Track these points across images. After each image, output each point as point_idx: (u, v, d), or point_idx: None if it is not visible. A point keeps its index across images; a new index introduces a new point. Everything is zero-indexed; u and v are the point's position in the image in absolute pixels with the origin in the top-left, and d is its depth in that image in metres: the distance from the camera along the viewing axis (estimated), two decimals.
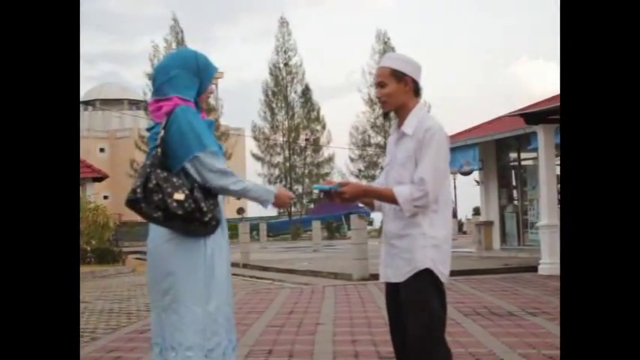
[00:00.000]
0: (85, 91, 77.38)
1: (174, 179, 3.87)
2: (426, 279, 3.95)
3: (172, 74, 4.01)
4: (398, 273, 4.00)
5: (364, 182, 56.01)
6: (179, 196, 3.83)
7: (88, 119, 73.51)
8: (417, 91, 4.09)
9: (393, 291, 4.09)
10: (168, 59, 4.13)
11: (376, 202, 4.20)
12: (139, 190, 3.84)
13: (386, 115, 4.16)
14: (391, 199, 3.95)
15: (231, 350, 3.97)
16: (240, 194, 3.97)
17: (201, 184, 3.91)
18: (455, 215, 50.97)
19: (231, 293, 4.09)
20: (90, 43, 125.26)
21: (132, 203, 3.85)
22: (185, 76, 4.01)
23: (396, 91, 4.04)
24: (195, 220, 3.86)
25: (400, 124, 4.09)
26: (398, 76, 4.03)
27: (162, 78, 4.02)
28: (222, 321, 3.95)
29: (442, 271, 3.99)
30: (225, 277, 4.01)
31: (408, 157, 3.99)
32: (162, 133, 3.93)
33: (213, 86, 4.19)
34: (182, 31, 57.59)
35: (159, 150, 3.92)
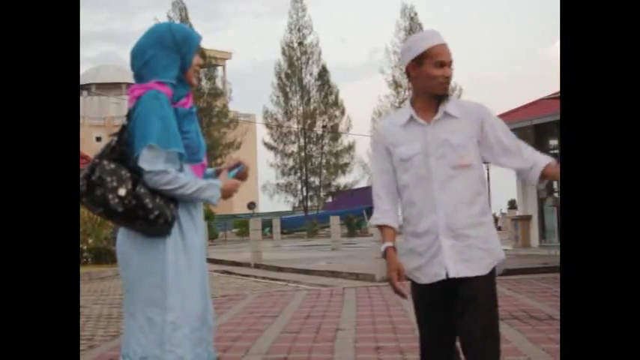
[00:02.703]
0: (80, 74, 77.80)
1: (123, 172, 3.86)
2: (494, 273, 4.07)
3: (148, 56, 3.99)
4: (476, 266, 3.98)
5: None
6: (122, 191, 3.82)
7: (83, 105, 73.81)
8: None
9: (445, 293, 4.03)
10: (142, 39, 4.07)
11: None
12: (82, 184, 3.84)
13: (440, 99, 4.07)
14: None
15: None
16: (178, 196, 3.91)
17: None
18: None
19: (207, 302, 4.04)
20: (85, 21, 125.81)
21: (81, 197, 3.86)
22: (162, 56, 3.98)
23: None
24: (138, 219, 3.84)
25: (430, 107, 4.05)
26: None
27: (138, 62, 4.02)
28: (187, 333, 3.90)
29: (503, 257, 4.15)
30: (194, 284, 3.96)
31: (469, 137, 4.00)
32: (125, 119, 3.95)
33: (200, 58, 4.13)
34: (185, 8, 57.77)
35: (114, 138, 3.95)
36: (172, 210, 3.88)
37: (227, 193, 4.11)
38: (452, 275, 3.99)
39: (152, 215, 3.83)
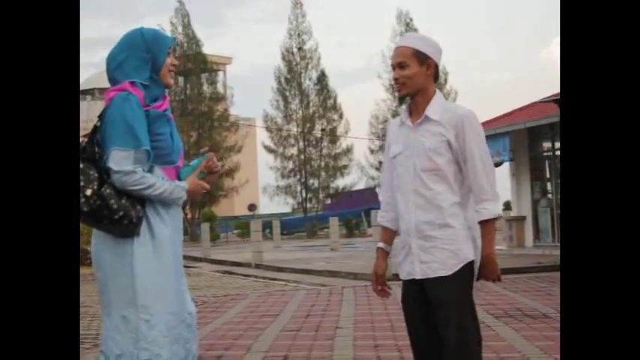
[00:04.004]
0: (84, 79, 77.69)
1: (92, 172, 3.89)
2: (467, 274, 3.97)
3: (120, 59, 4.05)
4: (439, 267, 3.95)
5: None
6: (88, 191, 3.85)
7: (86, 109, 73.45)
8: (436, 76, 4.08)
9: (418, 290, 4.05)
10: (116, 45, 4.13)
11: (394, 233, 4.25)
12: None
13: (401, 100, 4.13)
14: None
15: None
16: (146, 197, 3.93)
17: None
18: None
19: (183, 301, 4.04)
20: (88, 27, 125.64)
21: None
22: (133, 58, 4.03)
23: (418, 74, 4.01)
24: (103, 219, 3.87)
25: (417, 109, 4.05)
26: (421, 57, 4.01)
27: (112, 66, 4.07)
28: (163, 330, 3.90)
29: (478, 267, 4.01)
30: (167, 283, 3.96)
31: (441, 142, 3.96)
32: (97, 120, 4.00)
33: (174, 59, 4.18)
34: (188, 14, 57.71)
35: (85, 139, 3.97)
36: (138, 211, 3.91)
37: (193, 195, 4.13)
38: (417, 276, 4.03)
39: (116, 215, 3.86)
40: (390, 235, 4.23)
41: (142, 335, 3.86)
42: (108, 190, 3.87)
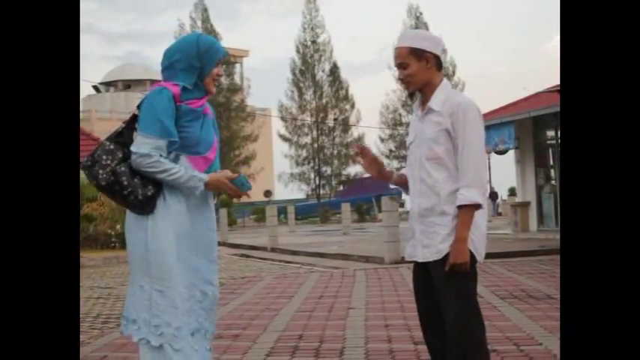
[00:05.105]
0: (108, 71, 77.80)
1: (119, 152, 4.13)
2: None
3: (174, 59, 4.18)
4: (435, 251, 3.97)
5: (395, 163, 55.27)
6: (108, 168, 4.10)
7: (110, 100, 73.81)
8: (439, 66, 4.07)
9: (424, 272, 4.07)
10: (174, 44, 4.28)
11: (394, 176, 4.30)
12: (87, 159, 4.14)
13: (412, 96, 4.15)
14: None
15: (186, 333, 4.06)
16: (161, 180, 4.07)
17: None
18: (495, 197, 50.35)
19: (195, 277, 4.13)
20: (112, 22, 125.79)
21: (83, 170, 4.15)
22: (184, 61, 4.16)
23: (418, 70, 4.02)
24: (115, 193, 4.11)
25: (425, 100, 4.07)
26: (417, 54, 4.01)
27: (165, 62, 4.22)
28: (174, 301, 4.04)
29: (479, 250, 3.99)
30: (182, 259, 4.08)
31: (439, 131, 3.96)
32: (136, 109, 4.19)
33: (221, 69, 4.33)
34: (207, 9, 57.69)
35: (122, 125, 4.22)
36: (147, 190, 4.07)
37: (213, 189, 4.22)
38: (418, 259, 4.07)
39: (125, 192, 4.08)
40: (391, 173, 4.32)
41: (154, 304, 4.04)
42: (122, 169, 4.08)
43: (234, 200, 49.01)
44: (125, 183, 4.05)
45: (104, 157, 4.10)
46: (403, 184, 4.28)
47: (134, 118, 4.19)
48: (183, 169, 4.08)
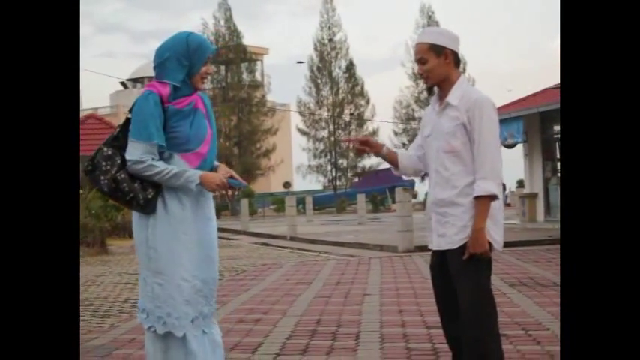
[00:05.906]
0: (135, 68, 77.94)
1: (117, 158, 4.13)
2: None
3: (163, 58, 4.14)
4: (449, 241, 4.00)
5: None
6: (109, 175, 4.11)
7: (136, 96, 73.37)
8: (457, 62, 4.08)
9: (441, 260, 4.09)
10: (165, 41, 4.21)
11: (401, 164, 4.33)
12: (88, 164, 4.15)
13: (430, 90, 4.16)
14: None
15: (187, 322, 4.10)
16: (157, 181, 4.07)
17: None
18: (504, 189, 50.08)
19: (197, 271, 4.13)
20: (139, 20, 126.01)
21: (85, 174, 4.17)
22: (174, 59, 4.12)
23: (437, 66, 4.02)
24: (118, 199, 4.15)
25: (443, 95, 4.08)
26: (437, 50, 4.02)
27: (156, 61, 4.19)
28: (174, 293, 4.07)
29: (496, 239, 4.01)
30: (181, 254, 4.09)
31: (456, 125, 3.98)
32: (129, 113, 4.19)
33: (210, 67, 4.30)
34: (230, 9, 57.74)
35: (117, 129, 4.20)
36: (148, 194, 4.09)
37: (207, 185, 4.11)
38: (434, 247, 4.11)
39: (128, 197, 4.11)
40: (393, 154, 4.36)
41: (156, 295, 4.10)
42: (122, 175, 4.09)
43: (255, 191, 49.14)
44: (127, 189, 4.08)
45: (104, 163, 4.11)
46: (392, 160, 4.32)
47: (128, 122, 4.16)
48: (176, 169, 4.06)
